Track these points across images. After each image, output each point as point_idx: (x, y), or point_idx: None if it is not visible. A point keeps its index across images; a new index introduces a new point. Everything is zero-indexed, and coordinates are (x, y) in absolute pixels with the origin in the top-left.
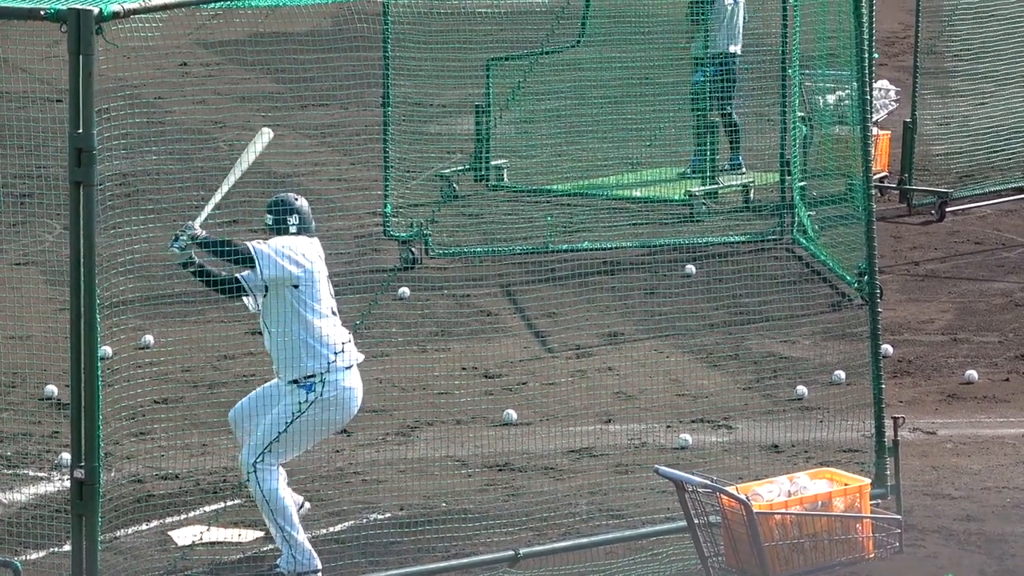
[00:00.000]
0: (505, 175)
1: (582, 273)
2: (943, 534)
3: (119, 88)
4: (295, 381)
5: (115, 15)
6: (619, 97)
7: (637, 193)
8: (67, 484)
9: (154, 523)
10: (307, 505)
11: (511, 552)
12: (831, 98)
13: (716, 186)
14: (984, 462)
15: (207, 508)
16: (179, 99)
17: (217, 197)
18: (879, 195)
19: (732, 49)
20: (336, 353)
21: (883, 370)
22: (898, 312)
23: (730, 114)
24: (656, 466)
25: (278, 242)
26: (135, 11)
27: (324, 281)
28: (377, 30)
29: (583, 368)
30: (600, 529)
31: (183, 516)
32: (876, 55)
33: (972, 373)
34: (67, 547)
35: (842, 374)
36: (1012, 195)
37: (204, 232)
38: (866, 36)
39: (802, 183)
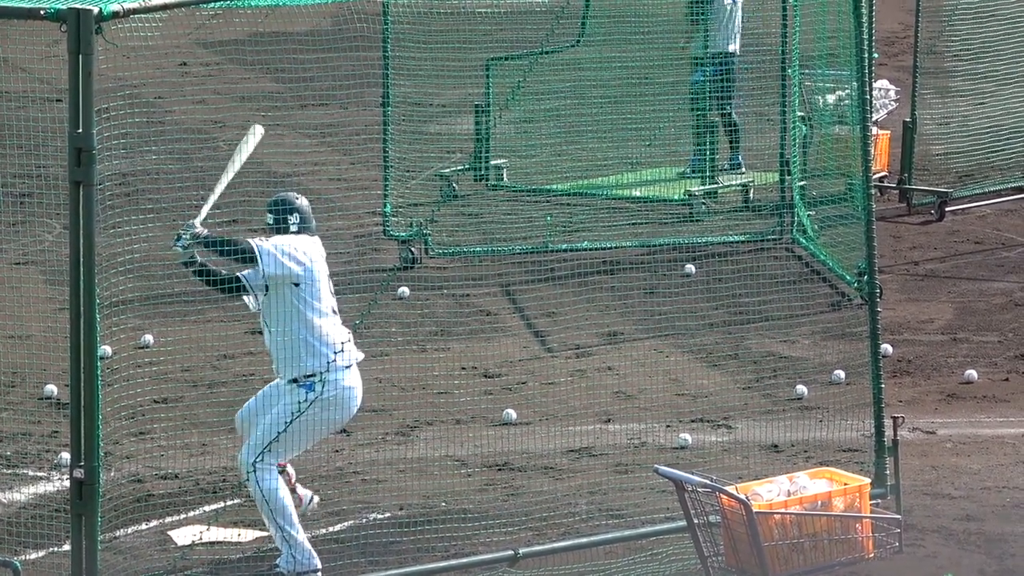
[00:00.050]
0: (505, 175)
1: (582, 273)
2: (943, 534)
3: (119, 88)
4: (295, 380)
5: (115, 15)
6: (619, 97)
7: (637, 193)
8: (67, 484)
9: (154, 523)
10: (316, 499)
11: (511, 552)
12: (831, 98)
13: (716, 186)
14: (984, 462)
15: (207, 508)
16: (179, 99)
17: (215, 196)
18: (879, 195)
19: (731, 48)
20: (336, 352)
21: (883, 370)
22: (898, 312)
23: (729, 114)
24: (656, 466)
25: (279, 240)
26: (135, 11)
27: (325, 280)
28: (377, 30)
29: (583, 368)
30: (600, 529)
31: (183, 516)
32: (876, 55)
33: (972, 373)
34: (67, 547)
35: (842, 374)
36: (1012, 195)
37: (206, 231)
38: (866, 36)
39: (802, 183)
